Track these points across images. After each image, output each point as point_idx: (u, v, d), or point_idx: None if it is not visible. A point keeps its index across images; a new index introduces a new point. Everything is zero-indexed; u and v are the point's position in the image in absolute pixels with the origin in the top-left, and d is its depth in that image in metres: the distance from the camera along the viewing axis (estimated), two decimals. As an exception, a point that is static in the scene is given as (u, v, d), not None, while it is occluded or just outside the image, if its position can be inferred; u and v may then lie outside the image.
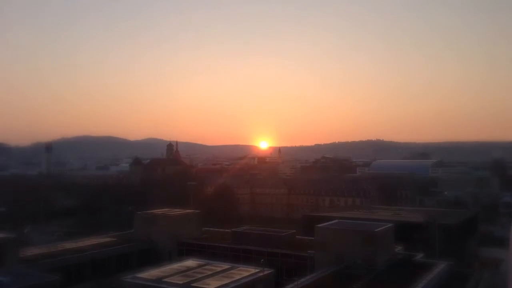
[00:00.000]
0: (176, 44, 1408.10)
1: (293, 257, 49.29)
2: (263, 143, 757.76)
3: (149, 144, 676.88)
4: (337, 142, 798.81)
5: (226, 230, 63.52)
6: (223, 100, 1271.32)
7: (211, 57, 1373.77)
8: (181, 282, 31.38)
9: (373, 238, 44.14)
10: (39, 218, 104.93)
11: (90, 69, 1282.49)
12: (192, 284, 30.93)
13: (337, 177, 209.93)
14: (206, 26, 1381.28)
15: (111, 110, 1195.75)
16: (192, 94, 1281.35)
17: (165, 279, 32.17)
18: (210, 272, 34.39)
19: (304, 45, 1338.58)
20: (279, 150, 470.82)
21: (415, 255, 48.72)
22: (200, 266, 36.86)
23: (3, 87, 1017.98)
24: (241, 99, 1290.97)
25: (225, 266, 36.54)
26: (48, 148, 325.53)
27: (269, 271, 35.06)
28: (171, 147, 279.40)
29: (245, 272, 34.52)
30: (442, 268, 43.29)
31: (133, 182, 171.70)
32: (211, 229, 66.03)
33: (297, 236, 57.82)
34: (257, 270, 34.81)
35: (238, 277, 33.10)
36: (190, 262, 38.19)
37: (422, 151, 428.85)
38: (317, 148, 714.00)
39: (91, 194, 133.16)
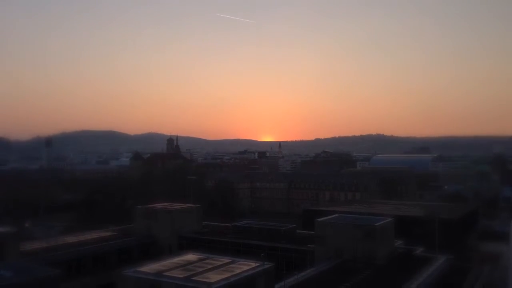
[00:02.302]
0: (177, 40, 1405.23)
1: (293, 251, 49.42)
2: (264, 138, 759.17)
3: (149, 138, 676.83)
4: (337, 136, 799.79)
5: (227, 224, 63.70)
6: (224, 94, 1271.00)
7: (212, 53, 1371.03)
8: (181, 276, 31.38)
9: (373, 232, 44.18)
10: (39, 212, 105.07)
11: (91, 64, 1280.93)
12: (193, 278, 30.93)
13: (338, 172, 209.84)
14: (206, 23, 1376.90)
15: (111, 105, 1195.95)
16: (193, 89, 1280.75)
17: (166, 273, 32.17)
18: (210, 266, 34.38)
19: (305, 40, 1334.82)
20: (280, 144, 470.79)
21: (415, 249, 48.81)
22: (200, 260, 36.83)
23: (3, 82, 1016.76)
24: (241, 94, 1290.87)
25: (226, 260, 36.50)
26: (48, 142, 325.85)
27: (269, 265, 35.04)
28: (171, 142, 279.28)
29: (246, 266, 34.49)
30: (442, 262, 43.37)
31: (133, 177, 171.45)
32: (211, 223, 66.17)
33: (297, 230, 57.94)
34: (257, 264, 34.80)
35: (238, 271, 33.08)
36: (191, 256, 38.16)
37: (422, 145, 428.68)
38: (317, 142, 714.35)
39: (91, 188, 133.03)
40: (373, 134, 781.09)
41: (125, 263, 43.20)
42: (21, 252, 44.84)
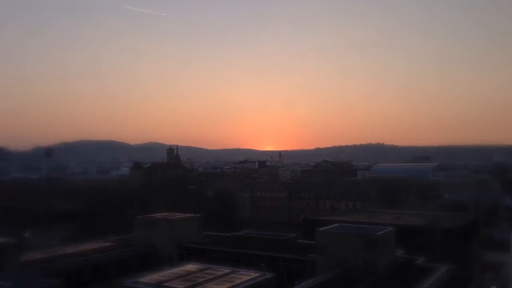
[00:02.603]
0: (178, 48, 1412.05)
1: (293, 261, 49.20)
2: (264, 147, 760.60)
3: (150, 148, 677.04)
4: (337, 145, 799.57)
5: (227, 234, 63.52)
6: (224, 104, 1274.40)
7: (212, 61, 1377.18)
8: (181, 287, 31.31)
9: (374, 242, 44.07)
10: (39, 222, 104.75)
11: (91, 73, 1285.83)
12: (193, 288, 30.88)
13: (338, 181, 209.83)
14: (208, 31, 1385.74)
15: (112, 114, 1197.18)
16: (193, 98, 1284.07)
17: (166, 283, 32.10)
18: (210, 276, 34.32)
19: (304, 49, 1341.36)
20: (280, 153, 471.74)
21: (416, 259, 48.63)
22: (200, 270, 36.78)
23: (3, 91, 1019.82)
24: (241, 103, 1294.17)
25: (226, 270, 36.47)
26: (49, 152, 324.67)
27: (270, 275, 35.01)
28: (172, 151, 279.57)
29: (246, 276, 34.45)
30: (443, 272, 43.19)
31: (134, 186, 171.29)
32: (211, 233, 66.02)
33: (297, 240, 57.76)
34: (258, 274, 34.77)
35: (238, 281, 33.04)
36: (191, 266, 38.12)
37: (422, 154, 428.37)
38: (317, 152, 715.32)
39: (91, 198, 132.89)
40: (374, 143, 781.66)
41: (125, 273, 43.09)
42: (21, 262, 44.65)
